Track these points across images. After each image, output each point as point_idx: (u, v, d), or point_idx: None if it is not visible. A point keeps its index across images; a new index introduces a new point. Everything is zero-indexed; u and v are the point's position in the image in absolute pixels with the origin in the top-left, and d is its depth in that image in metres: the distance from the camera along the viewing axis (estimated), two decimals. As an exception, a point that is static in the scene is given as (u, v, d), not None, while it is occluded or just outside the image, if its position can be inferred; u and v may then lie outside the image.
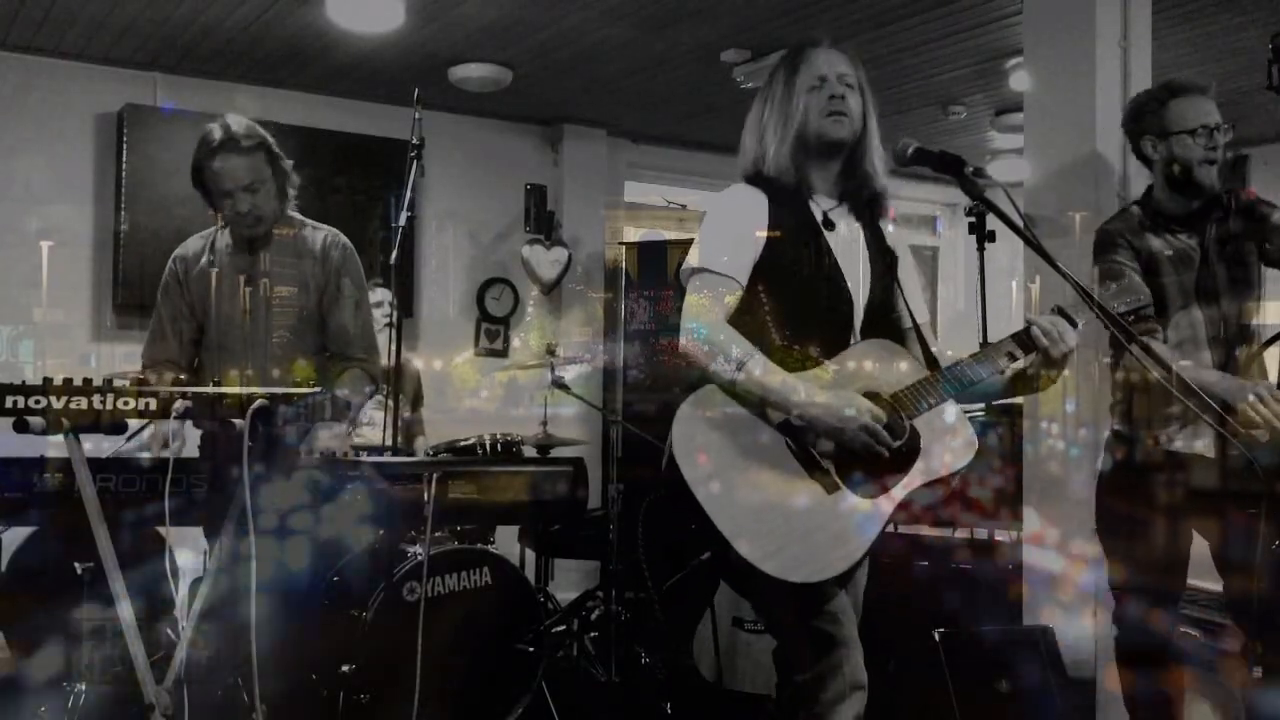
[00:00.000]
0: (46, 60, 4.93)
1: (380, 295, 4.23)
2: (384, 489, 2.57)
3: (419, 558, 3.21)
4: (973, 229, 4.39)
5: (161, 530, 2.18)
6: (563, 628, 4.25)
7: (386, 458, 3.08)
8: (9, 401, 2.01)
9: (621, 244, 6.31)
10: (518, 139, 6.18)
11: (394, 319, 3.59)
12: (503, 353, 6.03)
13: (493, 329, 6.04)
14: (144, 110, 5.00)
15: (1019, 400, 3.54)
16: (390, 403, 3.61)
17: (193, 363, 3.12)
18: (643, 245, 6.07)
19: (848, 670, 2.10)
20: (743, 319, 2.17)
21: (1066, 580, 3.32)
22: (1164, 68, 3.56)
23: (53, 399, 2.02)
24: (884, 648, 2.54)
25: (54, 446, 2.12)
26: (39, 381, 2.05)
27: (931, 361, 2.26)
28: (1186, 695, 2.98)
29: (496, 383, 5.90)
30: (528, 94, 5.49)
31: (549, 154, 6.27)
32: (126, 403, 2.05)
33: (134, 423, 2.16)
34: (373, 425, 4.08)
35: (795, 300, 2.21)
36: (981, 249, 4.41)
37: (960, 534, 3.81)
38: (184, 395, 2.07)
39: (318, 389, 2.10)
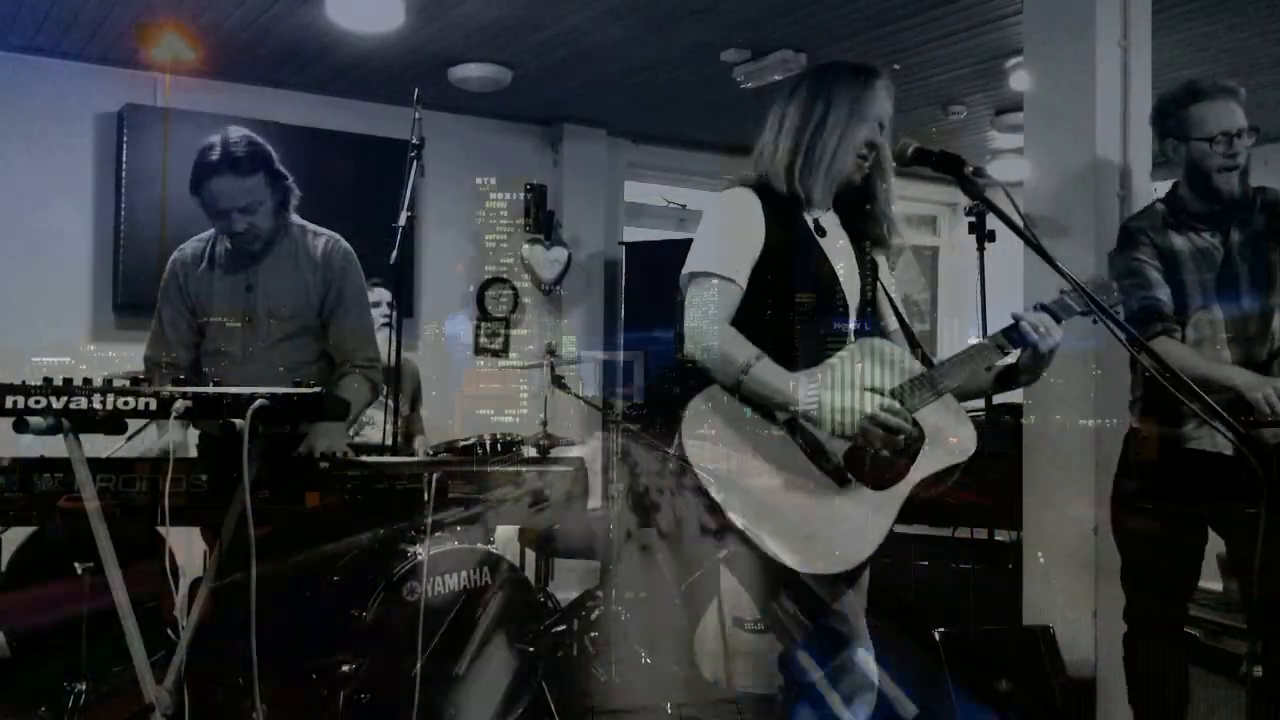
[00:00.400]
0: (46, 60, 4.93)
1: (380, 295, 4.23)
2: (383, 489, 2.56)
3: (419, 558, 3.21)
4: (973, 229, 4.40)
5: (161, 530, 2.18)
6: (563, 628, 4.25)
7: (386, 458, 3.08)
8: (9, 401, 2.01)
9: (622, 244, 6.32)
10: (518, 139, 6.18)
11: (394, 319, 3.59)
12: (502, 352, 6.03)
13: (492, 329, 6.04)
14: (144, 110, 5.00)
15: (1019, 400, 3.54)
16: (389, 402, 3.62)
17: (194, 364, 3.12)
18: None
19: (859, 669, 2.12)
20: (742, 320, 2.18)
21: (1066, 580, 3.32)
22: (1164, 68, 3.56)
23: (53, 399, 2.02)
24: (884, 648, 2.55)
25: (54, 446, 2.12)
26: (39, 381, 2.05)
27: (919, 356, 2.29)
28: (1193, 695, 2.98)
29: (496, 382, 5.90)
30: (528, 94, 5.49)
31: (549, 154, 6.27)
32: (126, 403, 2.05)
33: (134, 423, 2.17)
34: (372, 425, 4.08)
35: (792, 302, 2.23)
36: (981, 249, 4.42)
37: (960, 534, 3.81)
38: (184, 395, 2.07)
39: (318, 389, 2.10)
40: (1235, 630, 4.15)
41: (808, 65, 2.43)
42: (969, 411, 2.35)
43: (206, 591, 2.21)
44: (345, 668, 3.00)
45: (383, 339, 3.27)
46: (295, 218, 3.11)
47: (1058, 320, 2.22)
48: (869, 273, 2.35)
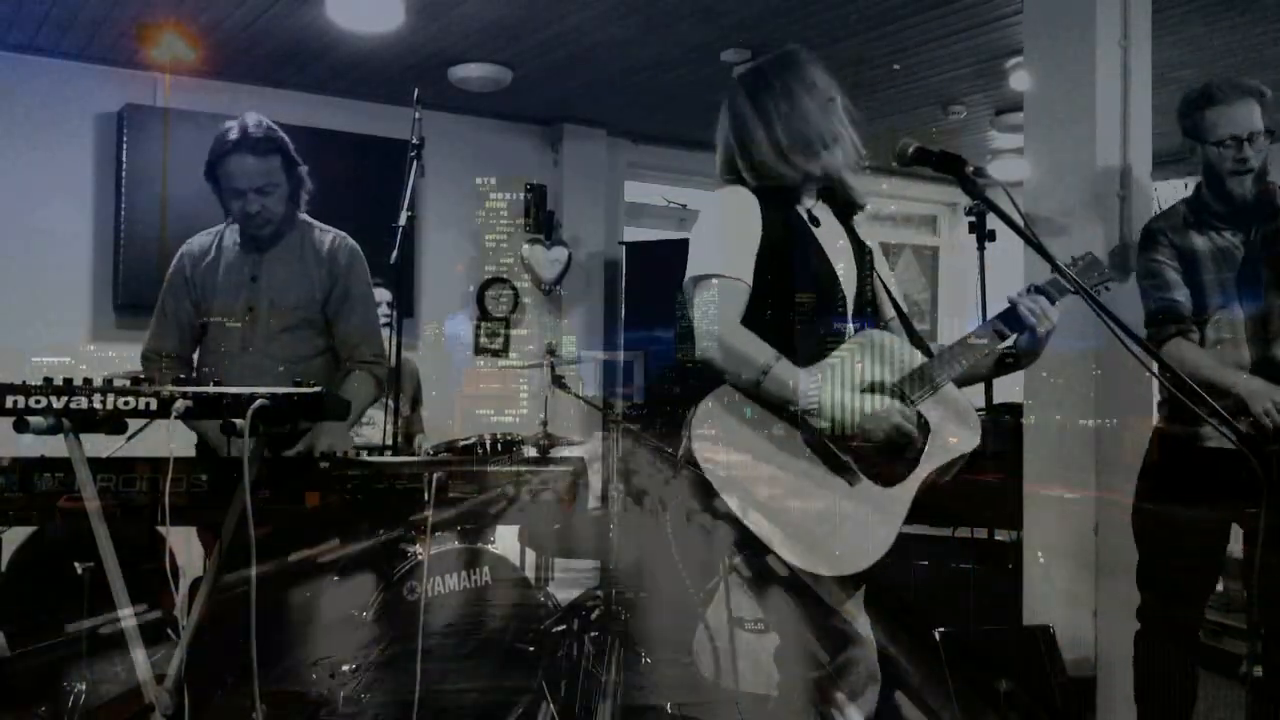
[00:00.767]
0: (46, 60, 4.93)
1: (380, 295, 4.22)
2: (383, 489, 2.56)
3: (419, 558, 3.21)
4: (973, 228, 4.40)
5: (161, 530, 2.18)
6: (563, 628, 4.24)
7: (386, 457, 3.07)
8: (9, 401, 2.01)
9: (622, 244, 6.32)
10: (518, 139, 6.18)
11: (394, 319, 3.59)
12: (502, 352, 6.03)
13: (492, 329, 6.04)
14: (144, 110, 5.00)
15: (1019, 400, 3.54)
16: (390, 402, 3.62)
17: (194, 357, 3.13)
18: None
19: (863, 666, 2.14)
20: (746, 317, 2.18)
21: (1066, 580, 3.31)
22: (1164, 68, 3.56)
23: (53, 399, 2.02)
24: (884, 648, 2.55)
25: (54, 446, 2.12)
26: (39, 381, 2.04)
27: (918, 345, 2.29)
28: (1200, 695, 2.98)
29: (496, 382, 5.90)
30: (528, 94, 5.49)
31: (549, 154, 6.27)
32: (127, 402, 2.05)
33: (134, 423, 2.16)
34: (372, 425, 4.07)
35: (792, 295, 2.23)
36: (981, 248, 4.41)
37: (960, 534, 3.81)
38: (184, 395, 2.07)
39: (318, 388, 2.09)
40: (1235, 630, 4.16)
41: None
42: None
43: (206, 591, 2.21)
44: (345, 668, 2.99)
45: (383, 339, 3.28)
46: (305, 216, 3.14)
47: (1052, 301, 2.24)
48: (865, 261, 2.35)
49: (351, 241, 3.17)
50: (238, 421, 2.05)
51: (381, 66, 5.07)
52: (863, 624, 2.21)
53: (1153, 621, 2.95)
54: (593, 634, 4.22)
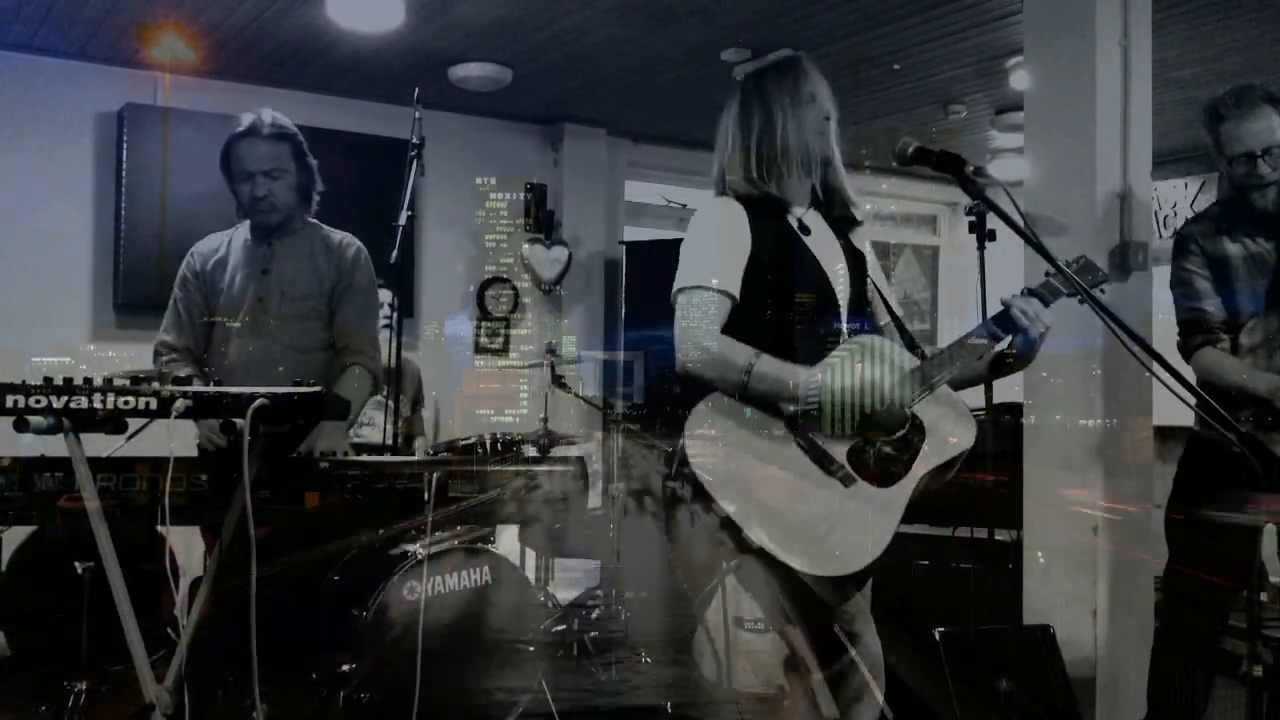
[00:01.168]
0: (46, 60, 4.93)
1: (381, 296, 4.23)
2: (383, 489, 2.56)
3: (419, 557, 3.21)
4: (973, 228, 4.39)
5: (161, 530, 2.18)
6: (563, 627, 4.25)
7: (386, 457, 3.07)
8: (9, 401, 2.01)
9: (622, 243, 6.32)
10: (518, 138, 6.18)
11: (394, 319, 3.59)
12: (502, 352, 6.03)
13: (492, 328, 6.04)
14: (144, 110, 5.00)
15: (1020, 400, 3.54)
16: (390, 402, 3.62)
17: (205, 351, 3.15)
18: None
19: (863, 668, 2.13)
20: (736, 328, 2.19)
21: (1066, 580, 3.32)
22: (1164, 68, 3.56)
23: (53, 398, 2.02)
24: (884, 647, 2.55)
25: (54, 446, 2.12)
26: (39, 381, 2.04)
27: (912, 348, 2.29)
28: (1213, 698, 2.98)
29: (496, 382, 5.90)
30: (528, 93, 5.49)
31: (549, 153, 6.27)
32: (127, 402, 2.05)
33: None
34: (372, 425, 4.08)
35: (784, 305, 2.24)
36: (982, 248, 4.41)
37: (960, 534, 3.80)
38: (184, 395, 2.07)
39: (318, 388, 2.09)
40: (1235, 630, 4.15)
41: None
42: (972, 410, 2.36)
43: (206, 591, 2.21)
44: (345, 667, 3.00)
45: (383, 339, 3.29)
46: (314, 220, 3.20)
47: (1045, 304, 2.24)
48: (856, 266, 2.36)
49: (359, 242, 3.22)
50: (238, 421, 2.05)
51: (381, 66, 5.07)
52: (865, 624, 2.21)
53: (1174, 623, 2.94)
54: (592, 634, 4.23)
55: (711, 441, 2.11)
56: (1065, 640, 3.21)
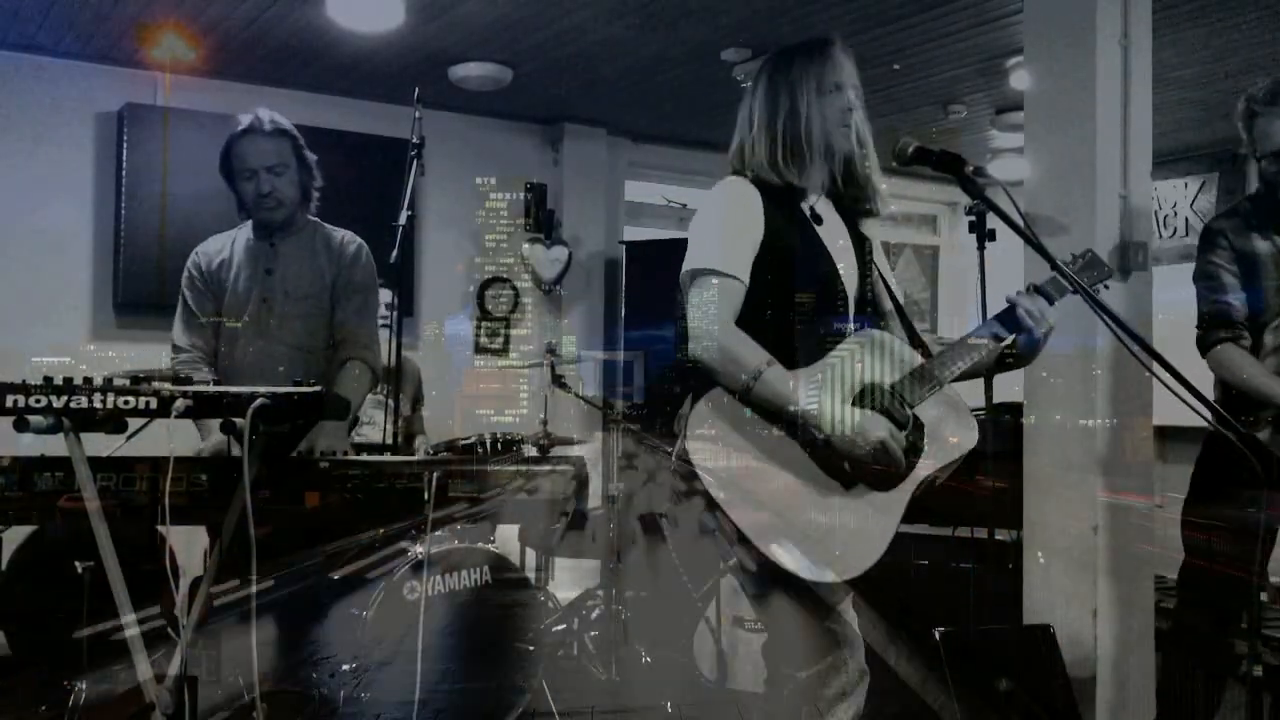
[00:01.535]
0: (46, 59, 4.93)
1: (382, 295, 4.23)
2: (383, 488, 2.56)
3: (419, 557, 3.21)
4: (973, 228, 4.39)
5: (161, 530, 2.18)
6: (563, 627, 4.25)
7: (386, 457, 3.07)
8: (9, 400, 2.01)
9: (622, 243, 6.32)
10: (518, 138, 6.18)
11: (394, 319, 3.60)
12: (502, 352, 6.03)
13: (492, 328, 6.04)
14: (144, 110, 5.00)
15: (1020, 400, 3.54)
16: (390, 402, 3.62)
17: (217, 350, 3.16)
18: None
19: (853, 665, 2.14)
20: (744, 315, 2.16)
21: (1066, 580, 3.31)
22: (1164, 67, 3.56)
23: (53, 398, 2.02)
24: (884, 647, 2.56)
25: (54, 446, 2.12)
26: (39, 381, 2.04)
27: (915, 339, 2.28)
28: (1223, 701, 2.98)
29: (496, 382, 5.90)
30: (528, 93, 5.49)
31: (549, 153, 6.27)
32: (127, 402, 2.05)
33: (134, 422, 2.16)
34: (373, 424, 4.08)
35: (792, 293, 2.22)
36: (982, 248, 4.41)
37: (960, 534, 3.81)
38: (184, 394, 2.07)
39: (318, 387, 2.09)
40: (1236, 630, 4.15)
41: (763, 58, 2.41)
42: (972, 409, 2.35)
43: (206, 591, 2.21)
44: (345, 667, 2.99)
45: (383, 339, 3.29)
46: (315, 218, 3.21)
47: (1051, 301, 2.23)
48: (865, 256, 2.34)
49: (361, 240, 3.24)
50: (238, 421, 2.05)
51: (381, 66, 5.07)
52: (851, 620, 2.21)
53: (1190, 623, 2.93)
54: (592, 634, 4.23)
55: (712, 438, 2.10)
56: (1065, 640, 3.21)
